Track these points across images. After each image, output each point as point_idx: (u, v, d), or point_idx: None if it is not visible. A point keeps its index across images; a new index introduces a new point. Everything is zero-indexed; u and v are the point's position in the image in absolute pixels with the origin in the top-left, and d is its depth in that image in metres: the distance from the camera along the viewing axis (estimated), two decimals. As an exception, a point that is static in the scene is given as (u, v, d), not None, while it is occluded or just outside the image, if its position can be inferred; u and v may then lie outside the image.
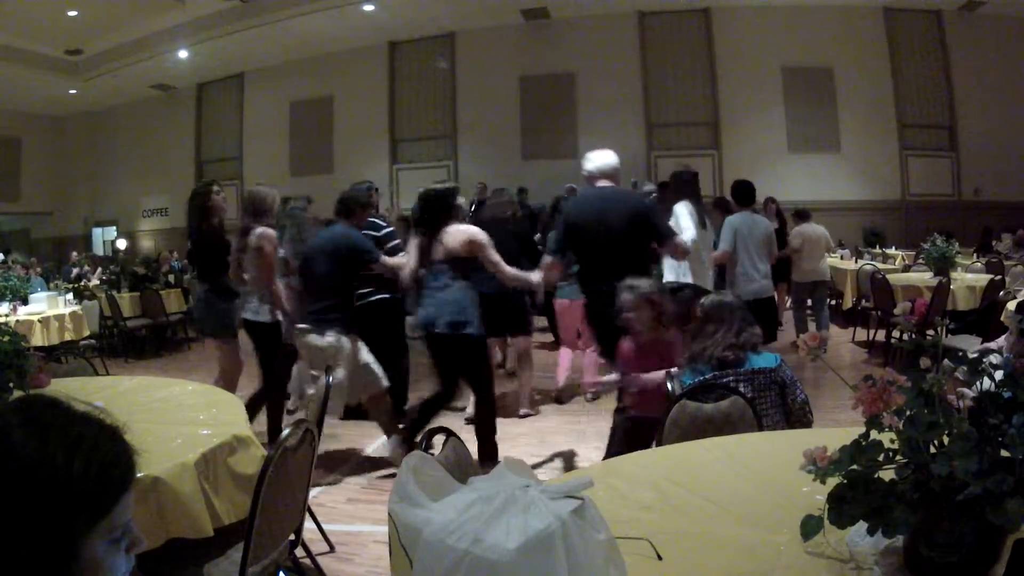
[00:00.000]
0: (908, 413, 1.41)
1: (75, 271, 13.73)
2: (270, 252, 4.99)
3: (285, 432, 2.43)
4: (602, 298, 4.19)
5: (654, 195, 9.24)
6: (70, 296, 9.19)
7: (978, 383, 1.44)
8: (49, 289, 9.57)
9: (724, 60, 16.00)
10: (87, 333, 8.42)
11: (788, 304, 9.74)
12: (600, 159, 4.66)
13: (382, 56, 17.71)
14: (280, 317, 5.11)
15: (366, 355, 4.89)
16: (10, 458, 0.92)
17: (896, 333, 7.80)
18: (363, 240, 5.05)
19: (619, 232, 4.37)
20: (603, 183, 4.62)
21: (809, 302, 8.91)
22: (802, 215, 9.23)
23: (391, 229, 5.93)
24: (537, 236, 8.21)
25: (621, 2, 15.86)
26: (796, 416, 3.13)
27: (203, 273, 5.51)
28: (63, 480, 0.92)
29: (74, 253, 16.97)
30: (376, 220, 5.87)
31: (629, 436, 3.75)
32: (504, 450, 4.85)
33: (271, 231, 5.05)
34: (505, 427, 5.70)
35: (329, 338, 4.74)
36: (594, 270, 4.47)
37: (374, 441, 5.54)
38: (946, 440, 1.38)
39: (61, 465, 0.93)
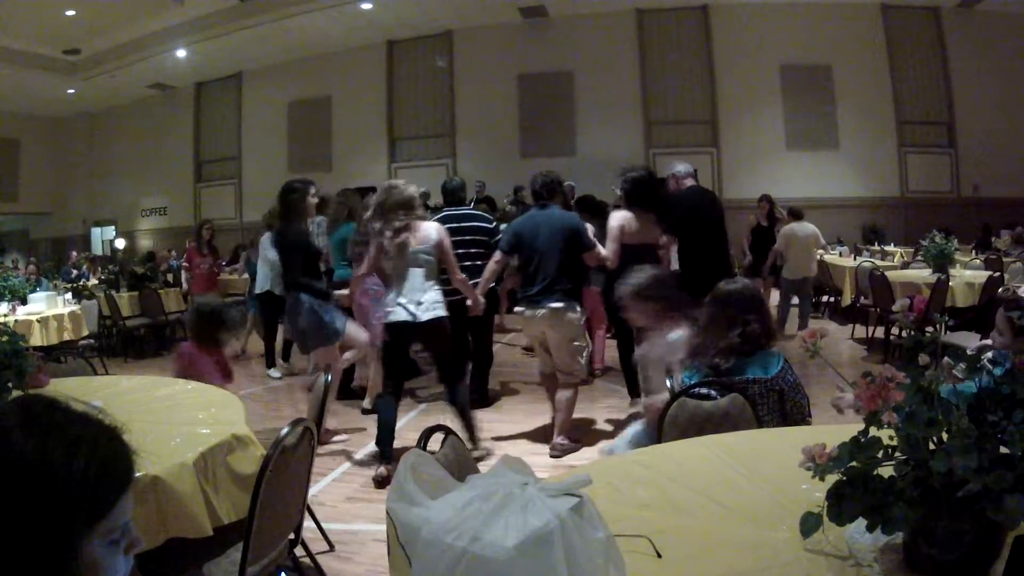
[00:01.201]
0: (907, 410, 1.41)
1: (75, 272, 13.70)
2: (450, 245, 4.98)
3: (284, 431, 2.43)
4: (710, 275, 4.92)
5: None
6: (69, 296, 9.18)
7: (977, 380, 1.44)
8: (48, 289, 9.56)
9: (722, 58, 15.99)
10: (86, 333, 8.40)
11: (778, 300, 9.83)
12: (685, 165, 6.23)
13: (380, 55, 17.71)
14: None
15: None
16: (9, 458, 0.91)
17: (895, 330, 7.81)
18: (584, 226, 5.40)
19: (720, 220, 5.88)
20: (691, 182, 6.14)
21: (796, 299, 9.34)
22: (795, 214, 9.44)
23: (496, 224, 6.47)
24: None
25: (619, 0, 15.87)
26: (794, 421, 2.97)
27: (295, 276, 5.23)
28: (62, 480, 0.92)
29: (73, 253, 16.97)
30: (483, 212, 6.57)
31: None
32: (503, 448, 4.85)
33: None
34: (493, 424, 5.71)
35: (572, 312, 5.05)
36: (706, 252, 5.64)
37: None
38: (945, 437, 1.38)
39: (60, 465, 0.93)
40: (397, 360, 4.92)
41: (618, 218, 5.45)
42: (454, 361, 5.09)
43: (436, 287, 4.82)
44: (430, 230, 4.84)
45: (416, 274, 4.77)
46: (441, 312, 4.77)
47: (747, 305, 3.12)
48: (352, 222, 6.46)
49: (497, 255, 5.37)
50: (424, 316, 4.70)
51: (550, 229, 5.10)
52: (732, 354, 3.01)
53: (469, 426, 4.91)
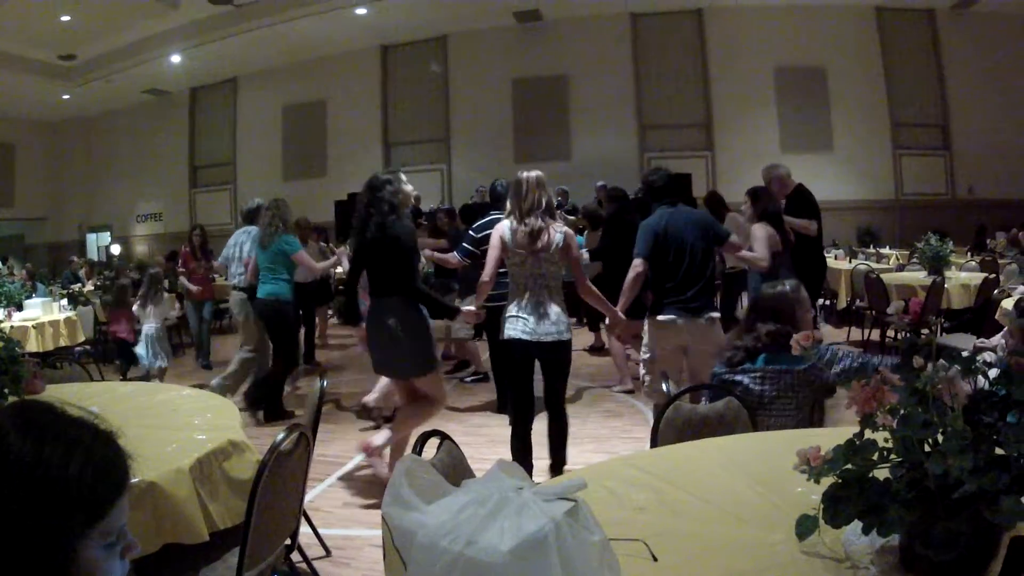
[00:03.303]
0: (902, 412, 1.41)
1: (82, 285, 13.54)
2: (578, 251, 4.43)
3: (279, 436, 2.43)
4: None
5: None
6: (64, 302, 9.16)
7: (972, 381, 1.44)
8: (44, 295, 9.54)
9: (717, 61, 16.03)
10: (82, 339, 8.39)
11: None
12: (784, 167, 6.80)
13: (375, 59, 17.71)
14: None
15: None
16: (6, 462, 0.92)
17: (891, 332, 7.82)
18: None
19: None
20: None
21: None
22: None
23: None
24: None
25: (613, 3, 15.89)
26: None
27: (412, 282, 4.31)
28: (58, 484, 0.92)
29: (73, 258, 16.89)
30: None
31: None
32: (498, 453, 4.84)
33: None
34: (494, 429, 5.69)
35: (710, 321, 4.59)
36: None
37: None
38: (940, 439, 1.38)
39: (56, 469, 0.93)
40: (522, 386, 4.38)
41: (766, 228, 5.37)
42: (564, 389, 4.47)
43: (561, 301, 4.26)
44: (556, 232, 4.18)
45: (540, 284, 4.20)
46: (568, 334, 4.22)
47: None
48: (288, 234, 6.09)
49: (638, 262, 4.65)
50: (547, 336, 4.14)
51: (692, 227, 4.64)
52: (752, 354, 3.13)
53: (560, 462, 4.41)
